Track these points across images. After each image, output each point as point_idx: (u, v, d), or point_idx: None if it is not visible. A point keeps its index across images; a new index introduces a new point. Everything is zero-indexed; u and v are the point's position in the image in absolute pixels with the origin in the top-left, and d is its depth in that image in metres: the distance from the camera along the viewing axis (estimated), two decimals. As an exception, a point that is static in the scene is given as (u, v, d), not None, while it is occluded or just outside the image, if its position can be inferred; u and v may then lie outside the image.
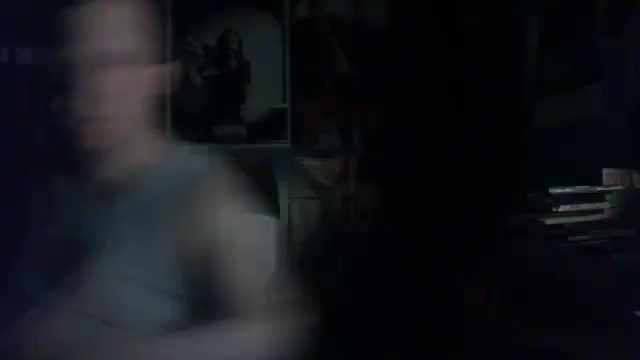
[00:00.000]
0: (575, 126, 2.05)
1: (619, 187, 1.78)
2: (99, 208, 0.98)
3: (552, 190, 1.71)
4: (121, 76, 0.94)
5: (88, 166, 1.00)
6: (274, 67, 2.92)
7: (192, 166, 1.03)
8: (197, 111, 2.86)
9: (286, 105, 2.91)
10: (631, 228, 1.65)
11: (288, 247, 2.89)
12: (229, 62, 2.91)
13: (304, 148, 2.97)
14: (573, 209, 1.71)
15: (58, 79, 0.93)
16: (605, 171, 1.81)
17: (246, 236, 1.03)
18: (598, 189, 1.77)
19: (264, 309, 0.96)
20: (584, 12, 2.01)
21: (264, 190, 2.86)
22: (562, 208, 1.69)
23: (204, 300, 0.97)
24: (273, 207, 2.84)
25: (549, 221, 1.68)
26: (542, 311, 1.58)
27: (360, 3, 3.05)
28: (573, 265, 1.56)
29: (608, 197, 1.77)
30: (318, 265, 2.92)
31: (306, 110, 2.97)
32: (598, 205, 1.75)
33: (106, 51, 0.92)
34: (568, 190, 1.72)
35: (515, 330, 1.58)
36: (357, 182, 2.99)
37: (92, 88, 0.92)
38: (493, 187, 2.37)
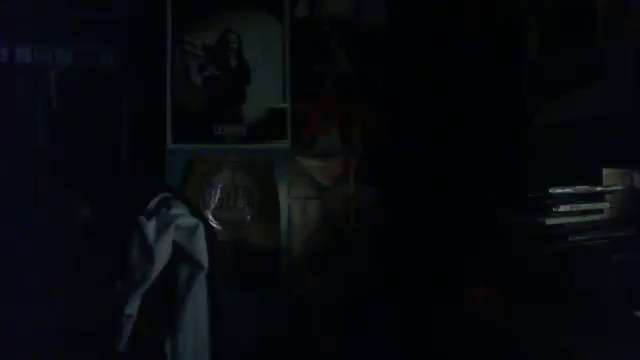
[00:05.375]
0: (575, 126, 2.04)
1: (619, 187, 1.78)
2: None
3: (552, 190, 1.71)
4: None
5: None
6: (274, 67, 2.92)
7: None
8: (197, 111, 2.85)
9: (286, 105, 2.91)
10: (631, 228, 1.65)
11: (288, 247, 2.90)
12: (229, 62, 2.91)
13: (304, 148, 2.97)
14: (573, 209, 1.71)
15: None
16: (605, 171, 1.80)
17: None
18: (598, 189, 1.76)
19: None
20: (584, 12, 2.01)
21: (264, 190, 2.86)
22: (562, 208, 1.69)
23: None
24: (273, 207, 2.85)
25: (549, 221, 1.68)
26: (542, 311, 1.58)
27: (360, 3, 3.05)
28: (573, 265, 1.56)
29: (608, 197, 1.76)
30: (318, 265, 2.92)
31: (306, 110, 2.97)
32: (598, 205, 1.75)
33: None
34: (568, 190, 1.72)
35: (515, 330, 1.58)
36: (357, 182, 2.99)
37: None
38: (493, 187, 2.37)
